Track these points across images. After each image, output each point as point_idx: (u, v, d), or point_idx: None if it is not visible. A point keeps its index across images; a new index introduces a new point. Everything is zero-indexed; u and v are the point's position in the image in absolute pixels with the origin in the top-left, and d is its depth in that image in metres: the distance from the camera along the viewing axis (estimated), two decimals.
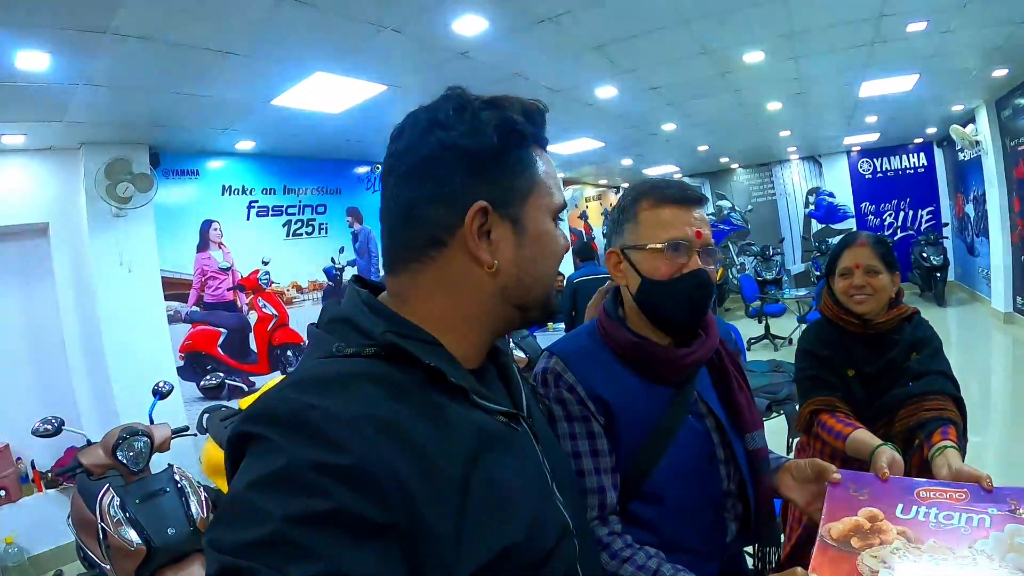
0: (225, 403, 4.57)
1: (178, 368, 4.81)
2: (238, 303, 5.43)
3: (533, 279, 0.81)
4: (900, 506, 0.99)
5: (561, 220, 0.85)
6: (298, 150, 5.90)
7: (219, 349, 5.18)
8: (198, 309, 5.10)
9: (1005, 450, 4.26)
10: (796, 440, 2.30)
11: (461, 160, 0.75)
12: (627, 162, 10.53)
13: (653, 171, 12.09)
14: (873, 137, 10.92)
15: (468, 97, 0.78)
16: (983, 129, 8.13)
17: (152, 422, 3.07)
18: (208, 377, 3.61)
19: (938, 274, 10.15)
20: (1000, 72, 6.39)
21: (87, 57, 3.12)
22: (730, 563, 1.29)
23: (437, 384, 0.71)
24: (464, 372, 0.76)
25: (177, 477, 2.83)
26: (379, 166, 5.02)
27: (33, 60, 3.04)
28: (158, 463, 2.95)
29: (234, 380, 5.18)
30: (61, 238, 4.45)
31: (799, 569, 0.85)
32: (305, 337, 5.96)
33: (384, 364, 0.70)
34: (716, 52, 4.84)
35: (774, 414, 3.09)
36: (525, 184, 0.79)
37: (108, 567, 2.89)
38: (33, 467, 4.37)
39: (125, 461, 2.70)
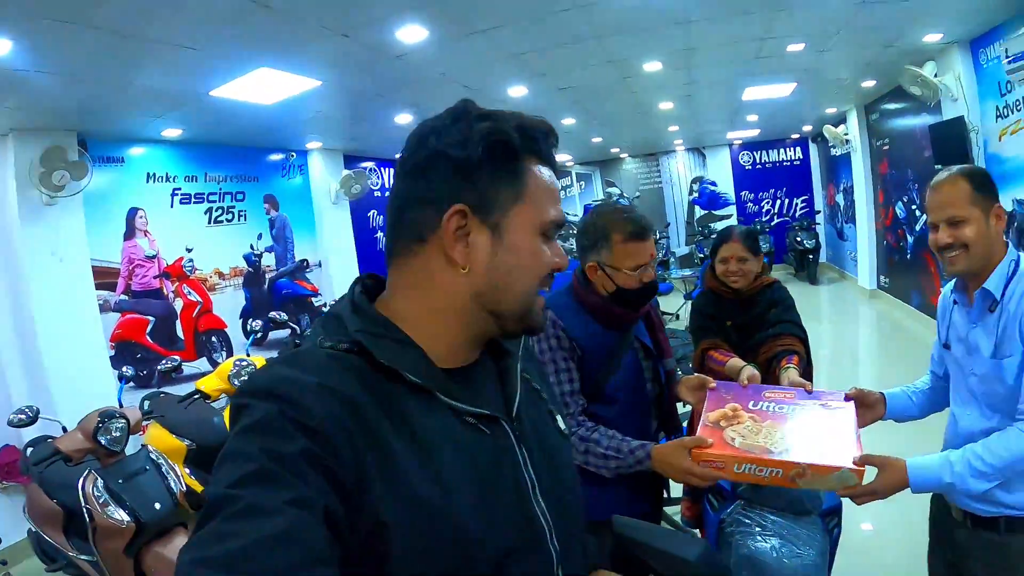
0: (165, 390, 4.66)
1: (111, 358, 4.81)
2: (164, 291, 5.45)
3: (505, 289, 0.82)
4: (751, 402, 1.62)
5: (552, 239, 0.86)
6: (220, 138, 5.95)
7: (148, 337, 5.20)
8: (126, 298, 5.09)
9: None
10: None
11: (448, 166, 0.79)
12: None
13: None
14: (754, 133, 11.96)
15: (469, 109, 0.83)
16: (853, 130, 9.30)
17: (121, 405, 3.19)
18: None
19: (811, 256, 11.46)
20: (869, 83, 7.38)
21: (49, 46, 3.15)
22: None
23: (403, 381, 0.77)
24: (435, 371, 0.80)
25: (153, 456, 2.99)
26: (294, 154, 5.34)
27: None
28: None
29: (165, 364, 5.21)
30: None
31: (688, 439, 1.50)
32: (228, 323, 6.08)
33: (357, 358, 0.76)
34: (620, 61, 5.39)
35: None
36: (510, 195, 0.81)
37: (81, 556, 2.99)
38: None
39: (106, 444, 2.81)
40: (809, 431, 1.48)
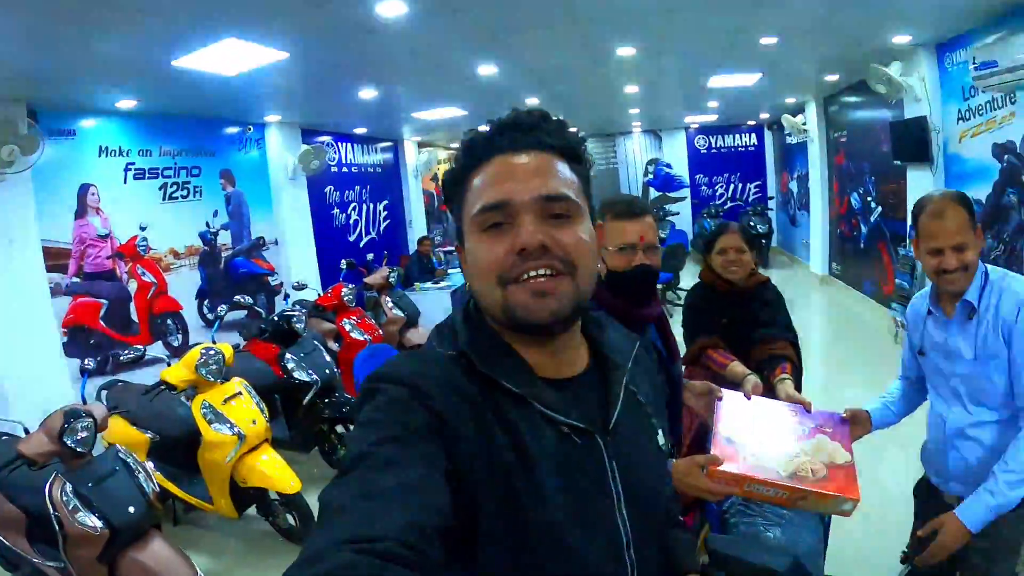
0: (120, 378, 4.43)
1: (63, 344, 4.55)
2: (117, 272, 5.17)
3: (475, 292, 0.90)
4: (759, 418, 1.63)
5: (487, 226, 0.85)
6: (176, 109, 5.65)
7: (101, 321, 4.93)
8: (78, 280, 4.80)
9: (822, 384, 5.46)
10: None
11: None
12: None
13: None
14: (712, 118, 12.09)
15: None
16: (811, 120, 9.52)
17: (85, 402, 3.01)
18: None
19: (763, 240, 11.67)
20: (832, 76, 7.55)
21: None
22: None
23: (503, 388, 0.84)
24: (532, 380, 0.86)
25: (122, 455, 2.82)
26: (251, 127, 5.12)
27: None
28: None
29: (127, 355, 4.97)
30: None
31: (701, 456, 1.46)
32: (183, 304, 5.83)
33: (467, 362, 0.85)
34: (595, 45, 5.34)
35: None
36: (460, 215, 0.91)
37: (48, 563, 2.79)
38: None
39: (73, 445, 2.63)
40: (812, 456, 1.53)
